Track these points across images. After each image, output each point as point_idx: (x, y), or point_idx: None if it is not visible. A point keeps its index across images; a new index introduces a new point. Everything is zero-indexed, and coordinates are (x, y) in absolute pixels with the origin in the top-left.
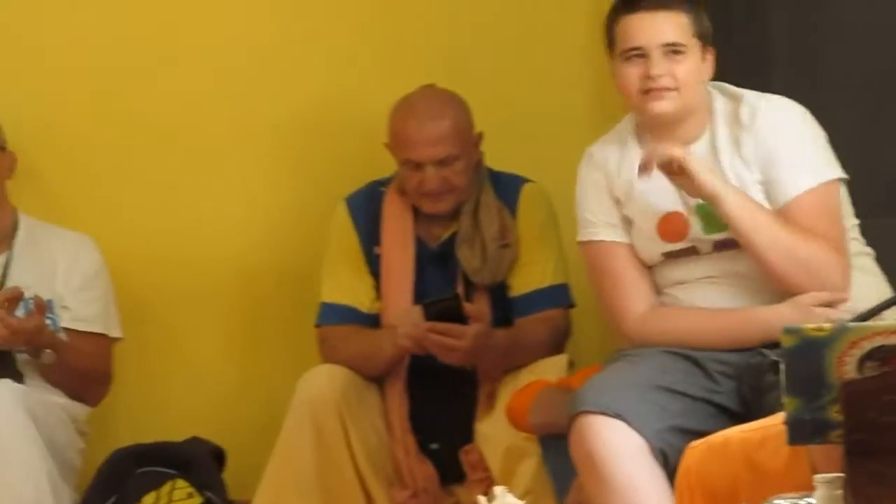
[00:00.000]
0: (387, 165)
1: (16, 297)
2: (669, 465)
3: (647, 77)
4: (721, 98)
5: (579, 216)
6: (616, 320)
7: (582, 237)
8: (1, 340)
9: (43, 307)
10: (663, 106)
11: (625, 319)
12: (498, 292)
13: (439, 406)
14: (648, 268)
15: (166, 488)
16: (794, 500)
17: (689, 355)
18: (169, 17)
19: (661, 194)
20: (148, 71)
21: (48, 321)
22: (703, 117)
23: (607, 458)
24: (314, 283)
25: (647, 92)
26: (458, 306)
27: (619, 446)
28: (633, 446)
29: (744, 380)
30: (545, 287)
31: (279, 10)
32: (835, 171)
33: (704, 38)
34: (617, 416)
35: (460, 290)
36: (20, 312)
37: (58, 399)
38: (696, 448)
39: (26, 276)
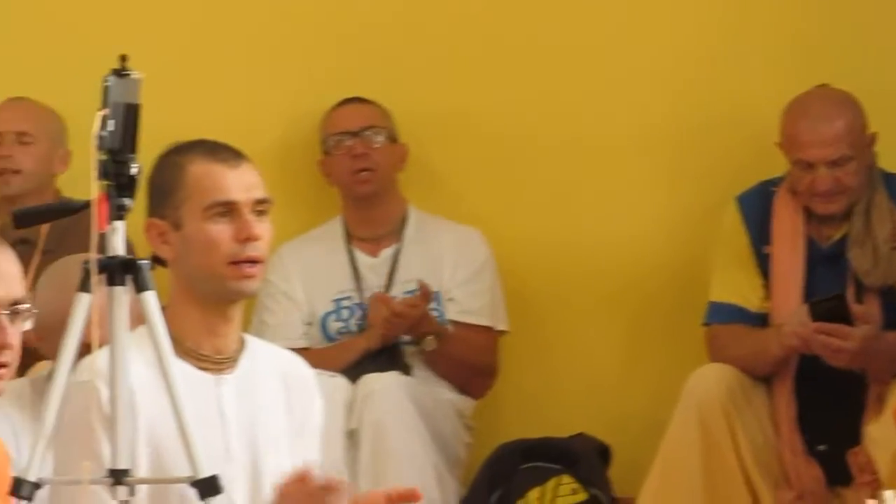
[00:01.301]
0: (778, 165)
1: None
2: None
3: None
4: None
5: None
6: None
7: None
8: (383, 322)
9: (428, 294)
10: None
11: None
12: (889, 295)
13: (827, 407)
14: None
15: (551, 484)
16: None
17: None
18: (570, 19)
19: None
20: (552, 74)
21: (434, 313)
22: None
23: None
24: (702, 281)
25: None
26: (845, 307)
27: None
28: None
29: None
30: None
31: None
32: None
33: None
34: None
35: (850, 292)
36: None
37: (445, 392)
38: None
39: (414, 268)
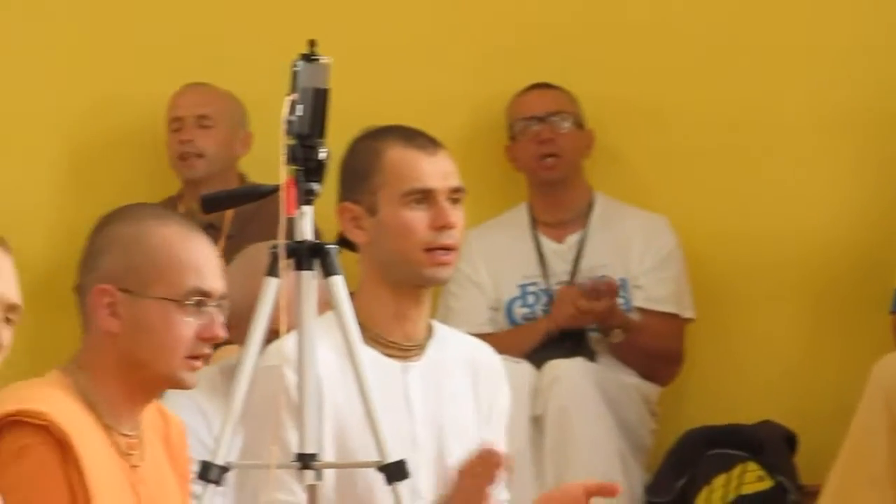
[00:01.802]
0: None
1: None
2: None
3: None
4: None
5: None
6: None
7: None
8: (570, 319)
9: (615, 289)
10: None
11: None
12: None
13: None
14: None
15: (737, 470)
16: None
17: None
18: (754, 6)
19: None
20: (736, 62)
21: (620, 300)
22: None
23: None
24: (886, 268)
25: None
26: None
27: None
28: None
29: None
30: None
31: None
32: None
33: None
34: None
35: None
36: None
37: (630, 379)
38: None
39: (600, 255)
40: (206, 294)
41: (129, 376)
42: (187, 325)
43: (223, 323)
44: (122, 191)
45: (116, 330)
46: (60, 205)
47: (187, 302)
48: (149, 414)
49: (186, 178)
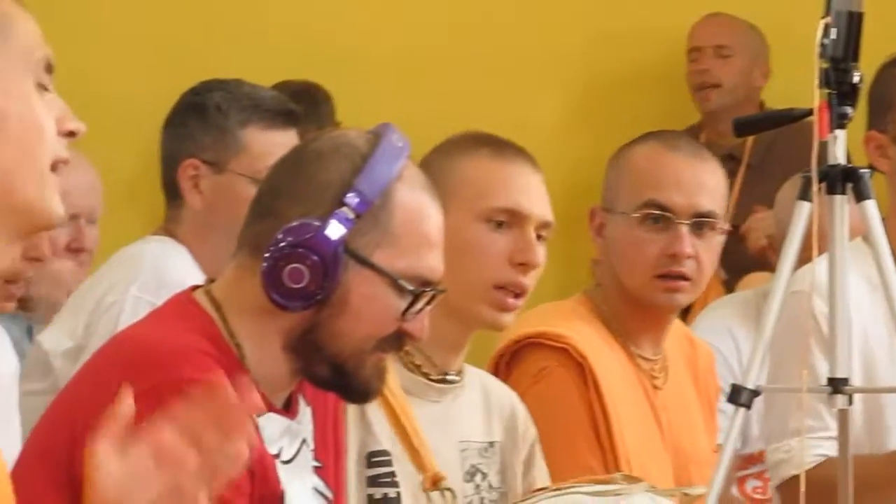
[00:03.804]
0: None
1: None
2: None
3: None
4: None
5: None
6: None
7: None
8: None
9: None
10: None
11: None
12: None
13: None
14: None
15: None
16: None
17: None
18: None
19: None
20: None
21: None
22: None
23: None
24: None
25: None
26: None
27: None
28: None
29: None
30: None
31: None
32: None
33: None
34: None
35: None
36: None
37: None
38: None
39: None
40: (663, 208)
41: (624, 298)
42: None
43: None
44: (639, 121)
45: (602, 251)
46: (577, 134)
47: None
48: (675, 339)
49: (703, 109)
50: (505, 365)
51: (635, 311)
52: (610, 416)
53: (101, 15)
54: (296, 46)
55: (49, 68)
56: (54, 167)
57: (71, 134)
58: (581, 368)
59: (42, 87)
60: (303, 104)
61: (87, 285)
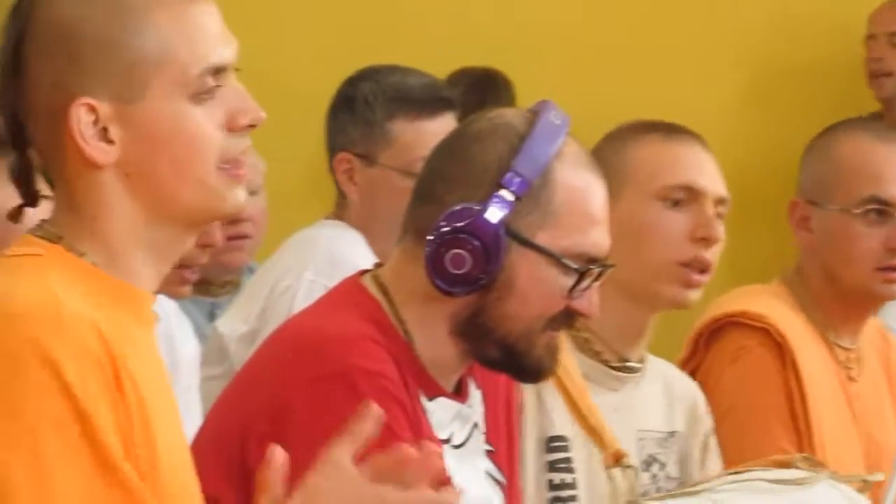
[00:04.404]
0: None
1: None
2: None
3: None
4: None
5: None
6: None
7: None
8: None
9: None
10: None
11: None
12: None
13: None
14: None
15: None
16: None
17: None
18: None
19: None
20: None
21: None
22: None
23: None
24: None
25: None
26: None
27: None
28: None
29: None
30: None
31: None
32: None
33: None
34: None
35: None
36: None
37: None
38: None
39: None
40: (886, 203)
41: (831, 288)
42: (871, 236)
43: None
44: (814, 109)
45: (807, 243)
46: (751, 120)
47: (856, 210)
48: (870, 332)
49: (878, 96)
50: (704, 343)
51: (843, 301)
52: (808, 400)
53: (285, 12)
54: (476, 34)
55: (216, 70)
56: (228, 163)
57: (249, 127)
58: (780, 350)
59: (201, 97)
60: (484, 91)
61: (262, 270)
